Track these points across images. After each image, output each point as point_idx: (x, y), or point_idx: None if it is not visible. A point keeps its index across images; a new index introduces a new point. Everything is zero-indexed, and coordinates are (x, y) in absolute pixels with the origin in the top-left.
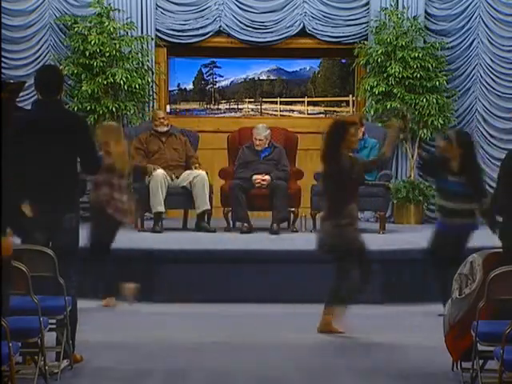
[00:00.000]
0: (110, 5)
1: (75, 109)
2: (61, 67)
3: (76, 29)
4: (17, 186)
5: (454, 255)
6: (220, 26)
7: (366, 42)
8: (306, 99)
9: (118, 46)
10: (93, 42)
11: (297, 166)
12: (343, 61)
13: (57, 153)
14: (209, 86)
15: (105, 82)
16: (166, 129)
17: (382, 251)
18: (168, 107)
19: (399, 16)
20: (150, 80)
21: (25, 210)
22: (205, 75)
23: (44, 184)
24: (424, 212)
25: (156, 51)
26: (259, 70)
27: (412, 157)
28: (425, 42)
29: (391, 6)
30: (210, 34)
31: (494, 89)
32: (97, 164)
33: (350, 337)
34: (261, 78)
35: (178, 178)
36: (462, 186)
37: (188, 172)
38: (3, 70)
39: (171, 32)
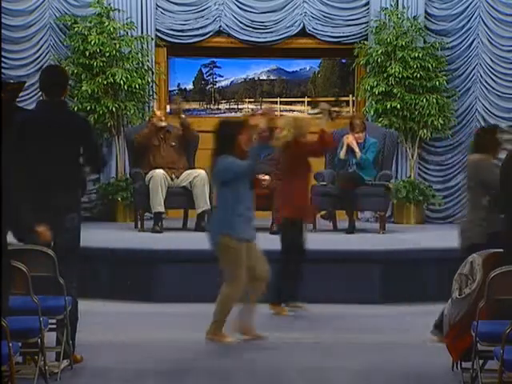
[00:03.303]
0: (109, 5)
1: (75, 109)
2: None
3: (76, 29)
4: (19, 185)
5: None
6: (220, 26)
7: (365, 42)
8: (306, 99)
9: (117, 46)
10: (93, 42)
11: None
12: (343, 61)
13: (59, 153)
14: (209, 86)
15: (105, 82)
16: (164, 124)
17: (382, 251)
18: (168, 107)
19: (399, 16)
20: (149, 80)
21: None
22: (205, 75)
23: (46, 184)
24: (424, 212)
25: (156, 51)
26: (259, 70)
27: (412, 157)
28: (425, 42)
29: (391, 5)
30: (210, 34)
31: (493, 89)
32: (101, 163)
33: (350, 337)
34: (261, 78)
35: (177, 177)
36: None
37: (188, 172)
38: (3, 70)
39: (171, 32)
